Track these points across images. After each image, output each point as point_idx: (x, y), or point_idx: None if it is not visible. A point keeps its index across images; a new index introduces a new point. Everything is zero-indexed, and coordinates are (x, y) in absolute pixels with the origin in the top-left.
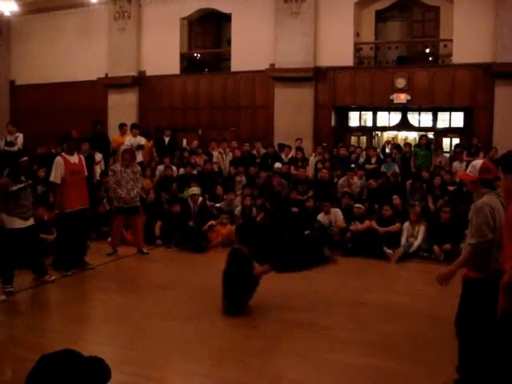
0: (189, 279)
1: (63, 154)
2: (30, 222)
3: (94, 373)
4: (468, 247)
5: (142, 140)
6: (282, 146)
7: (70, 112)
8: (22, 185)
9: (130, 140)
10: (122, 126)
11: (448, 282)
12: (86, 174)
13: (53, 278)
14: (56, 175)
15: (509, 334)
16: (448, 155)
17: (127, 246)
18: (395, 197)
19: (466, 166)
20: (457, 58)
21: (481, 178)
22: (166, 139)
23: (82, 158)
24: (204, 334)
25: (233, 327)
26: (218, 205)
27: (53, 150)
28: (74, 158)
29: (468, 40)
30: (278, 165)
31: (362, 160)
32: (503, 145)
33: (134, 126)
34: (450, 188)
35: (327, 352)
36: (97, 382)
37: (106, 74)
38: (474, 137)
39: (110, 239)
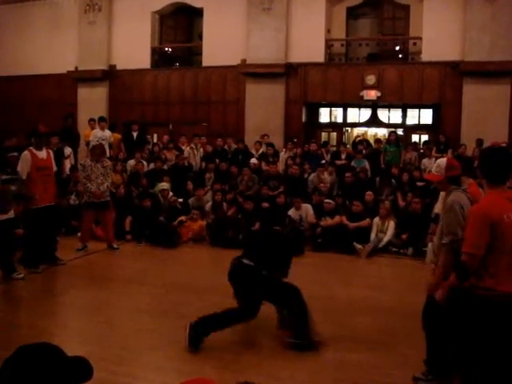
0: (159, 274)
1: (31, 148)
2: (7, 215)
3: (75, 368)
4: (442, 248)
5: (108, 133)
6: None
7: (38, 105)
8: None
9: (96, 134)
10: (90, 121)
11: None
12: (55, 169)
13: (22, 275)
14: (22, 170)
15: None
16: (416, 153)
17: (97, 242)
18: (369, 193)
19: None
20: (426, 56)
21: (447, 176)
22: (134, 134)
23: (51, 153)
24: (175, 329)
25: None
26: (180, 200)
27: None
28: (43, 154)
29: (437, 38)
30: (253, 160)
31: (329, 156)
32: (471, 141)
33: (101, 120)
34: (419, 184)
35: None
36: (77, 377)
37: (76, 68)
38: (440, 133)
39: (79, 234)
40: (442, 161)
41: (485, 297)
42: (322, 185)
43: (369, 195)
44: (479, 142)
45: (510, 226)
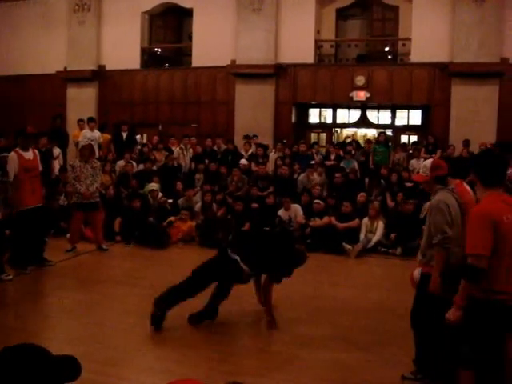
0: (149, 275)
1: (17, 149)
2: None
3: (61, 368)
4: (434, 248)
5: (97, 133)
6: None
7: (27, 106)
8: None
9: (85, 134)
10: (79, 121)
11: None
12: (41, 169)
13: (10, 276)
14: (9, 171)
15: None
16: (405, 153)
17: (86, 243)
18: (362, 194)
19: None
20: (415, 57)
21: (433, 176)
22: (124, 134)
23: (37, 153)
24: (164, 330)
25: None
26: (170, 200)
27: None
28: (29, 154)
29: (426, 39)
30: (243, 161)
31: (320, 157)
32: (459, 142)
33: (90, 120)
34: (408, 184)
35: (288, 347)
36: (64, 376)
37: (65, 68)
38: (429, 134)
39: (68, 235)
40: (429, 161)
41: (484, 297)
42: (315, 188)
43: (362, 196)
44: (466, 142)
45: (510, 227)
